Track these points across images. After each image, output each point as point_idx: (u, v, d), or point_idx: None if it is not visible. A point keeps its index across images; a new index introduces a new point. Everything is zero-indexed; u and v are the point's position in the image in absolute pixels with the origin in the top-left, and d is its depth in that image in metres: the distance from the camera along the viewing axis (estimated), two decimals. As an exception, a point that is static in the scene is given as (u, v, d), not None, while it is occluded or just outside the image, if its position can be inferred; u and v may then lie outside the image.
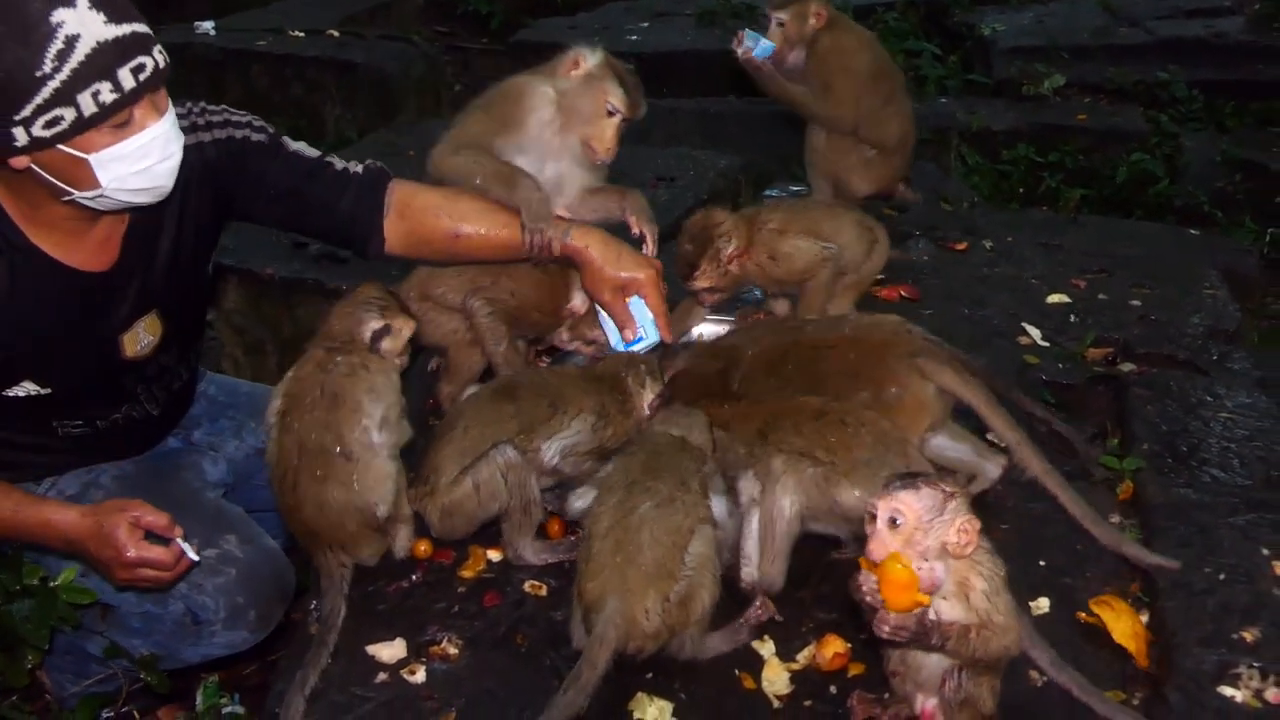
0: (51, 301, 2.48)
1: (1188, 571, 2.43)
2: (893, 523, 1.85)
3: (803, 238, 3.14)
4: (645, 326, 2.83)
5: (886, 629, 1.87)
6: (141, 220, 2.57)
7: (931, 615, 1.88)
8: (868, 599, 1.88)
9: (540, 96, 2.89)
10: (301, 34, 7.52)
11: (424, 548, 2.57)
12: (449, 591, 2.50)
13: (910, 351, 2.60)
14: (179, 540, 2.50)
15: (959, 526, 1.85)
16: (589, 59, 2.87)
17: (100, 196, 2.35)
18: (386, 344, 2.53)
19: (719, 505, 2.39)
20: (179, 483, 2.89)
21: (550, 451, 2.56)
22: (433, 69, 7.27)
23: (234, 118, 2.72)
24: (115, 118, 2.25)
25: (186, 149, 2.45)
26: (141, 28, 2.26)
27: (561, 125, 2.88)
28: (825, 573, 2.49)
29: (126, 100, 2.24)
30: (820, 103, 4.00)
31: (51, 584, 2.47)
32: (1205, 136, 6.64)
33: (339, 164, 2.82)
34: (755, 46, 3.92)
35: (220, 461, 3.04)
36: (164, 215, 2.61)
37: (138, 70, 2.23)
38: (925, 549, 1.85)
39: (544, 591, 2.48)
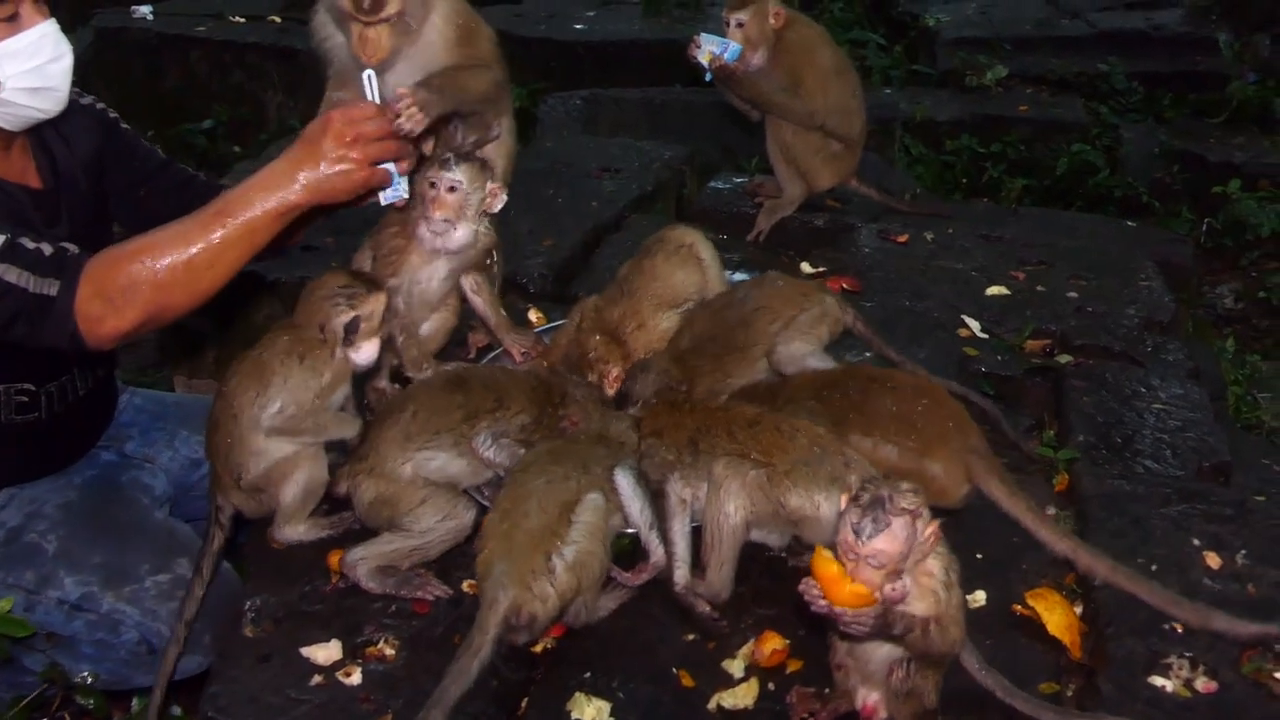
0: (6, 214, 2.45)
1: (1122, 562, 2.45)
2: (873, 565, 1.87)
3: (658, 314, 2.94)
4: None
5: (847, 623, 1.90)
6: (44, 148, 2.64)
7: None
8: (819, 604, 1.90)
9: (321, 5, 2.69)
10: (242, 20, 7.40)
11: (338, 562, 2.53)
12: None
13: (968, 446, 2.54)
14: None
15: (927, 537, 1.90)
16: None
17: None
18: (361, 331, 2.52)
19: (628, 487, 2.38)
20: (125, 506, 2.83)
21: (482, 436, 2.53)
22: (377, 56, 7.19)
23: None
24: (2, 9, 2.35)
25: (71, 99, 2.54)
26: None
27: (339, 30, 2.66)
28: (764, 568, 2.50)
29: None
30: (792, 99, 3.98)
31: (-13, 614, 2.41)
32: (1144, 128, 6.72)
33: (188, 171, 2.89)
34: (724, 51, 3.85)
35: (159, 474, 2.98)
36: (66, 151, 2.68)
37: None
38: (903, 569, 1.90)
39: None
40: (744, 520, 2.35)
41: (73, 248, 2.37)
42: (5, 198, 2.52)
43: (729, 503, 2.34)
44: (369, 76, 2.55)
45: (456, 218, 2.75)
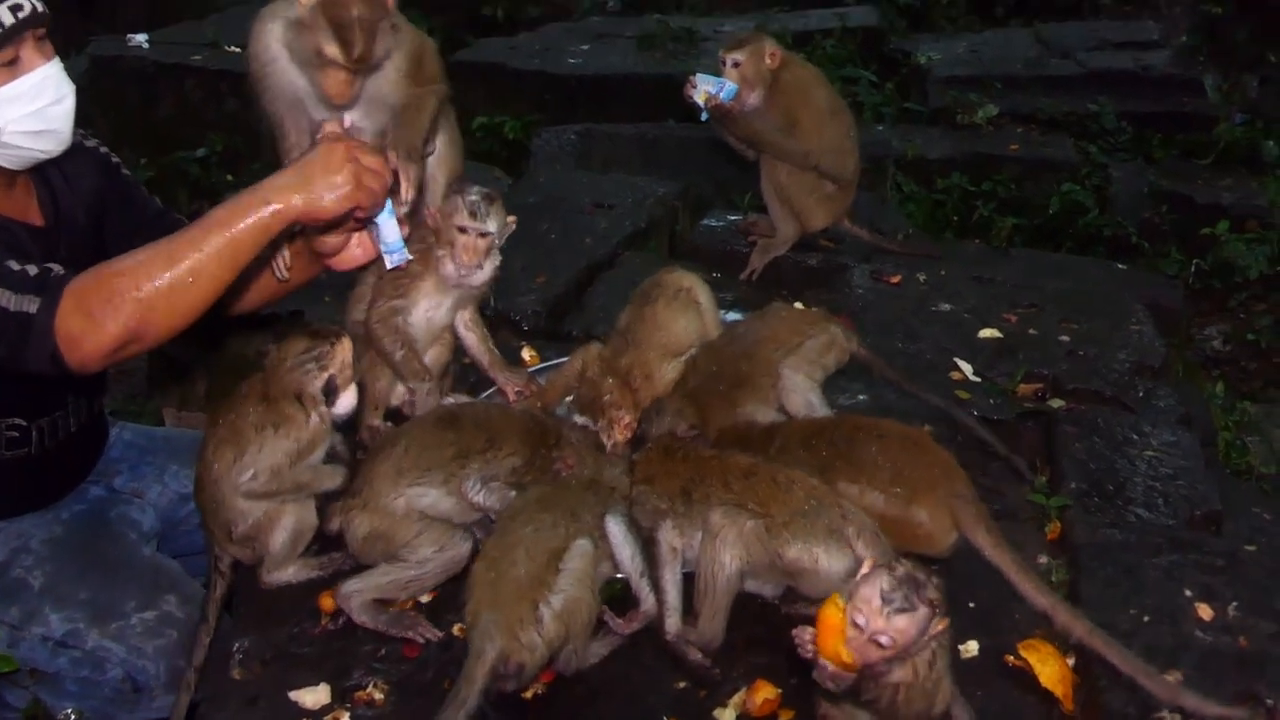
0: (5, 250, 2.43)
1: (1114, 614, 2.46)
2: (878, 644, 1.87)
3: (664, 363, 2.90)
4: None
5: (825, 677, 1.89)
6: (47, 185, 2.65)
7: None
8: (806, 648, 1.89)
9: (269, 36, 2.64)
10: (237, 49, 7.38)
11: (329, 603, 2.52)
12: (376, 633, 2.45)
13: (955, 492, 2.53)
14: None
15: (934, 634, 1.91)
16: None
17: (1, 144, 2.42)
18: (340, 386, 2.51)
19: (619, 533, 2.38)
20: (112, 541, 2.81)
21: (471, 480, 2.52)
22: (371, 87, 7.21)
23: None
24: (1, 55, 2.36)
25: (75, 142, 2.55)
26: None
27: (299, 65, 2.63)
28: (756, 616, 2.48)
29: (8, 36, 2.35)
30: (787, 139, 4.01)
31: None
32: (1134, 167, 6.77)
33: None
34: (720, 91, 3.88)
35: (147, 509, 2.96)
36: (68, 190, 2.69)
37: (15, 9, 2.36)
38: (904, 655, 1.89)
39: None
40: (739, 570, 2.34)
41: (58, 268, 2.31)
42: (5, 234, 2.51)
43: (725, 552, 2.33)
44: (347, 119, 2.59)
45: (484, 260, 2.80)
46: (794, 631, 1.93)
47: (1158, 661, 2.33)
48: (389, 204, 2.59)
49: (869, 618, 1.88)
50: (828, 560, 2.28)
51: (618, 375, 2.79)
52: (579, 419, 2.73)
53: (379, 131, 2.69)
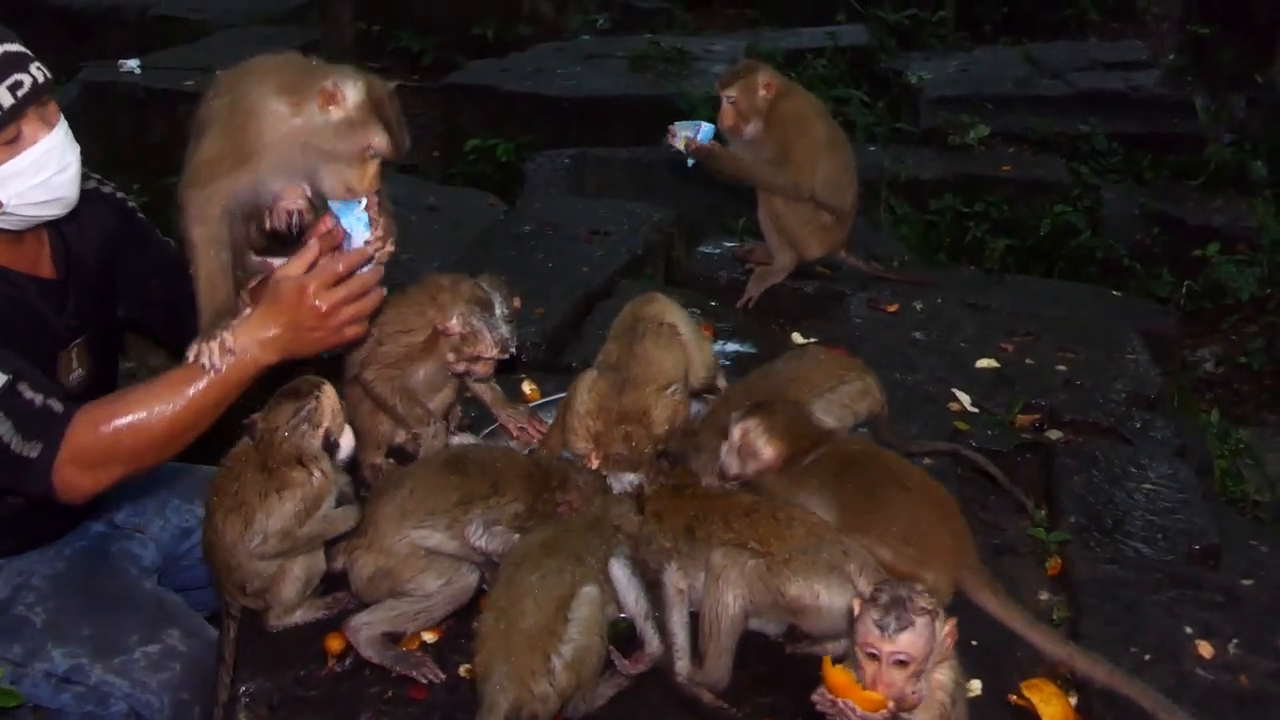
0: (10, 308, 2.50)
1: (1115, 652, 2.48)
2: (900, 664, 1.90)
3: (659, 400, 2.84)
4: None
5: None
6: (59, 234, 2.66)
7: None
8: (827, 704, 1.95)
9: (283, 125, 2.50)
10: (228, 74, 7.41)
11: (336, 644, 2.52)
12: (383, 674, 2.45)
13: (964, 562, 2.52)
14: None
15: (945, 635, 1.94)
16: (349, 96, 2.47)
17: (4, 215, 2.42)
18: (336, 435, 2.51)
19: (623, 577, 2.39)
20: (114, 576, 2.82)
21: (474, 525, 2.52)
22: (363, 109, 7.22)
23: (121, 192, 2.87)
24: (3, 134, 2.35)
25: (88, 189, 2.57)
26: (14, 47, 2.39)
27: (311, 155, 2.54)
28: (762, 655, 2.49)
29: (9, 116, 2.34)
30: (779, 172, 4.01)
31: (-24, 683, 2.39)
32: (1125, 188, 6.82)
33: None
34: (697, 133, 3.91)
35: (149, 544, 2.97)
36: (80, 238, 2.69)
37: (16, 87, 2.35)
38: (924, 670, 1.93)
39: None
40: (743, 610, 2.35)
41: (58, 406, 2.39)
42: (13, 289, 2.52)
43: (727, 592, 2.33)
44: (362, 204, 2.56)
45: None
46: (814, 698, 1.98)
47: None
48: (356, 209, 2.54)
49: (878, 646, 1.93)
50: (829, 596, 2.29)
51: (624, 420, 2.80)
52: (627, 476, 2.72)
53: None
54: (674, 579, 2.42)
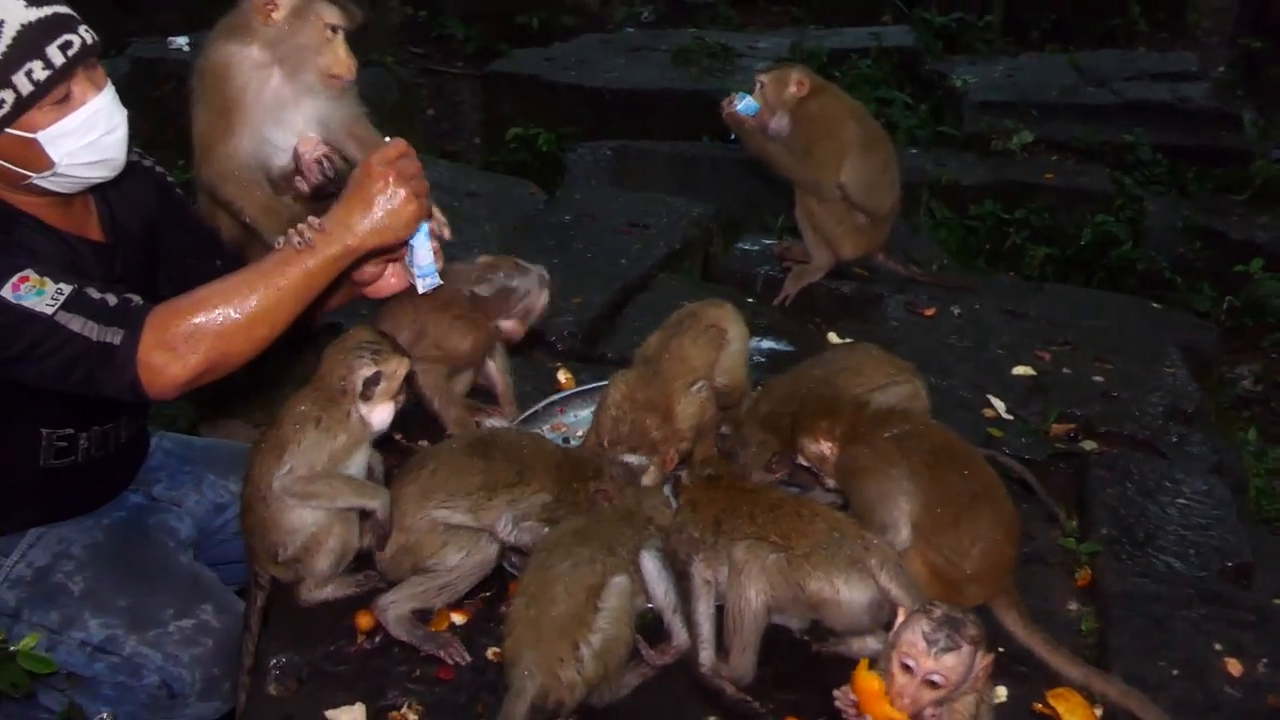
0: (67, 265, 2.50)
1: (1142, 666, 2.47)
2: (932, 684, 1.91)
3: (682, 395, 2.86)
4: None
5: None
6: (105, 201, 2.69)
7: None
8: (849, 713, 1.92)
9: (246, 63, 2.73)
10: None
11: (366, 621, 2.54)
12: (411, 653, 2.48)
13: (1002, 586, 2.53)
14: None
15: (981, 669, 1.95)
16: None
17: (55, 175, 2.46)
18: (380, 389, 2.53)
19: (654, 569, 2.40)
20: (151, 549, 2.85)
21: (503, 521, 2.54)
22: (406, 94, 7.26)
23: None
24: (53, 94, 2.38)
25: (131, 160, 2.60)
26: (63, 9, 2.42)
27: (286, 75, 2.75)
28: (786, 652, 2.50)
29: (60, 75, 2.38)
30: (799, 165, 4.03)
31: (11, 648, 2.41)
32: (1168, 200, 6.76)
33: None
34: (740, 104, 3.98)
35: (185, 517, 3.00)
36: (125, 207, 2.72)
37: (66, 46, 2.38)
38: (952, 697, 1.93)
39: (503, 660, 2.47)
40: (764, 605, 2.37)
41: (136, 298, 2.40)
42: (68, 249, 2.55)
43: (750, 588, 2.36)
44: None
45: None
46: (836, 694, 1.98)
47: (1187, 718, 2.35)
48: (423, 226, 2.62)
49: (917, 660, 1.93)
50: (849, 591, 2.30)
51: (645, 408, 2.82)
52: (628, 457, 2.74)
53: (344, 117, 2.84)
54: (701, 571, 2.43)
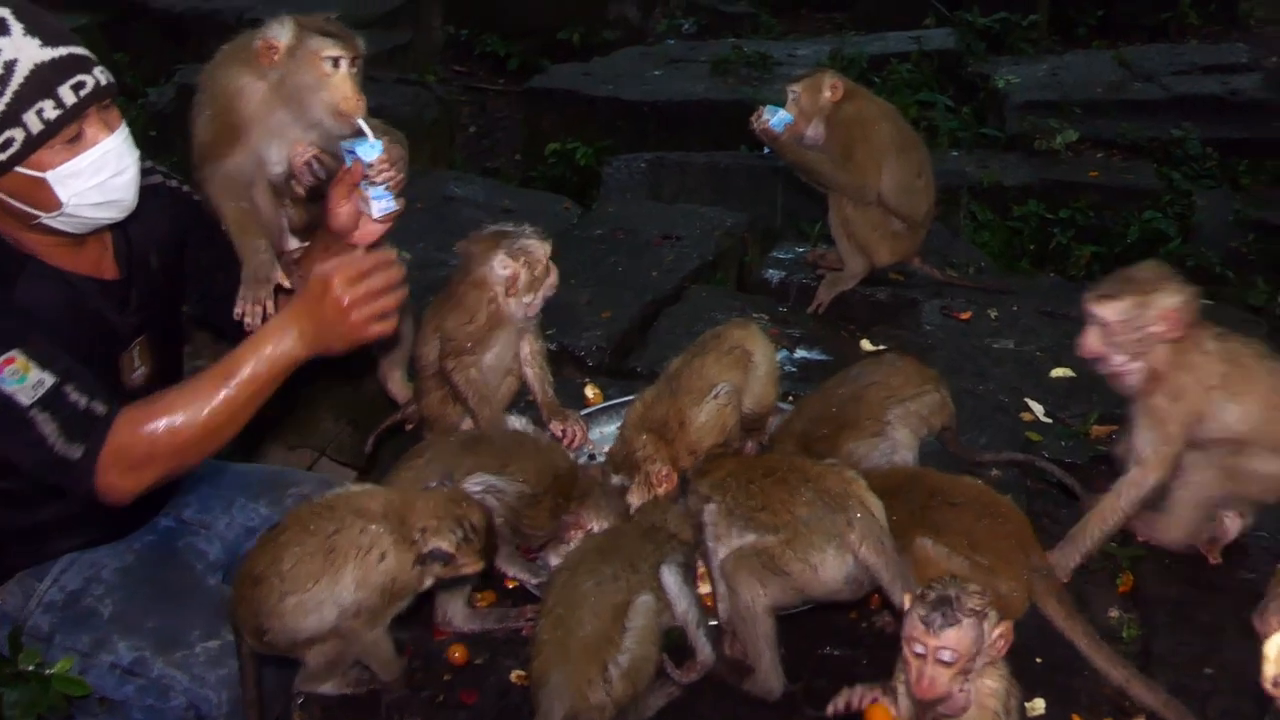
0: (70, 311, 2.55)
1: (1187, 674, 2.40)
2: (944, 662, 1.94)
3: (695, 408, 2.83)
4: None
5: None
6: (123, 233, 2.69)
7: None
8: None
9: (256, 96, 2.80)
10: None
11: (460, 654, 2.52)
12: (434, 679, 2.47)
13: (1032, 565, 2.49)
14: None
15: (998, 637, 1.98)
16: (281, 38, 2.74)
17: (63, 216, 2.46)
18: (436, 568, 2.37)
19: (674, 585, 2.39)
20: (180, 571, 2.87)
21: (476, 481, 2.58)
22: (446, 112, 7.29)
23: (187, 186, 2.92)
24: (64, 133, 2.39)
25: (154, 184, 2.63)
26: (79, 50, 2.43)
27: (295, 115, 2.81)
28: (817, 668, 2.46)
29: (70, 115, 2.38)
30: (839, 171, 3.99)
31: (47, 671, 2.44)
32: (1219, 195, 6.60)
33: None
34: (772, 119, 3.92)
35: (214, 540, 3.01)
36: (143, 235, 2.72)
37: (78, 87, 2.39)
38: (972, 670, 1.96)
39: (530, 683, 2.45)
40: (765, 607, 2.36)
41: (101, 409, 2.44)
42: (72, 293, 2.57)
43: (745, 593, 2.36)
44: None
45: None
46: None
47: (1233, 728, 2.27)
48: (377, 145, 2.66)
49: (923, 640, 1.97)
50: (824, 569, 2.34)
51: (654, 426, 2.80)
52: (616, 478, 2.73)
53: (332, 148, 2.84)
54: (714, 517, 2.45)
